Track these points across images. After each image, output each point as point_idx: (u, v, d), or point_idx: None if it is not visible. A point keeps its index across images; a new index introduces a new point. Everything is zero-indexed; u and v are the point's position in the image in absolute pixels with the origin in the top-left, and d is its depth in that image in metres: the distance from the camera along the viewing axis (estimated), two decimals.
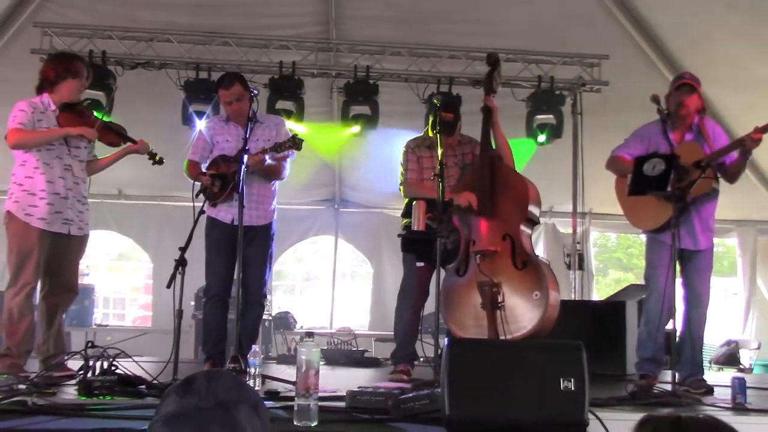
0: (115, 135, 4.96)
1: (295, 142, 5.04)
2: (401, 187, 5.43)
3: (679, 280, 4.87)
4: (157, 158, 5.05)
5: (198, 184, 5.05)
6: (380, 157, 9.54)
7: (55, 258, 4.70)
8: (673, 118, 4.94)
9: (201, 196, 5.01)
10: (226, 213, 5.16)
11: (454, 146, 5.41)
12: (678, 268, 4.84)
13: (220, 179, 5.08)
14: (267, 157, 5.00)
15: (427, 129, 5.41)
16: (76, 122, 4.76)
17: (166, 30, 7.91)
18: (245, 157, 4.68)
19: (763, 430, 3.47)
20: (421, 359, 5.58)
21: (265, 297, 5.40)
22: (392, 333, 5.67)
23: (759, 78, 7.74)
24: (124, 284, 12.03)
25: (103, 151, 5.06)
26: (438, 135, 4.86)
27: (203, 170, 5.22)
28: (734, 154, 4.77)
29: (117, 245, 11.52)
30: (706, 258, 4.94)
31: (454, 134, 5.43)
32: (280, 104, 7.74)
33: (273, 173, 5.26)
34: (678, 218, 4.49)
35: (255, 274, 5.17)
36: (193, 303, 8.08)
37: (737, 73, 7.73)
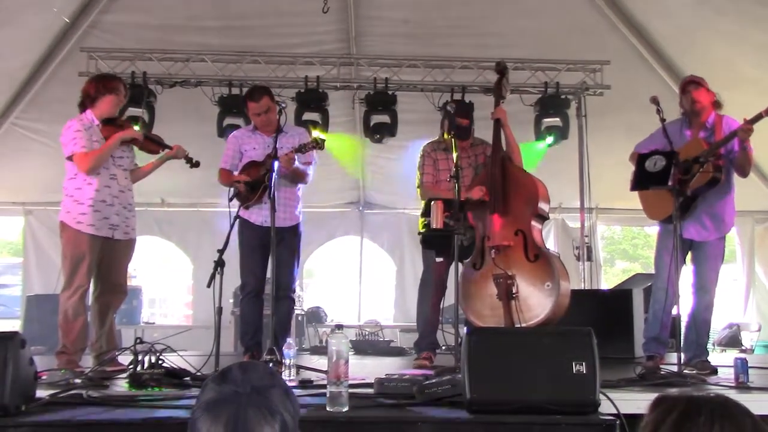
0: (154, 143, 5.03)
1: (318, 143, 5.07)
2: (418, 189, 5.44)
3: (690, 268, 4.83)
4: (194, 161, 5.11)
5: (232, 189, 5.11)
6: (400, 162, 9.56)
7: (105, 262, 4.74)
8: (691, 116, 4.92)
9: (235, 200, 5.06)
10: (257, 216, 5.18)
11: (467, 148, 5.42)
12: (689, 256, 4.81)
13: (250, 186, 5.11)
14: (296, 157, 5.02)
15: (443, 133, 5.40)
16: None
17: (201, 51, 7.96)
18: (275, 164, 4.71)
19: (766, 406, 3.41)
20: (443, 347, 5.56)
21: (294, 292, 5.40)
22: (415, 324, 5.66)
23: (747, 77, 7.64)
24: (168, 285, 12.11)
25: (143, 160, 5.11)
26: (453, 139, 4.87)
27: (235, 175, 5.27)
28: (737, 147, 4.71)
29: (161, 249, 11.57)
30: (713, 248, 4.85)
31: (469, 139, 5.43)
32: (307, 116, 7.76)
33: (299, 177, 5.27)
34: (680, 211, 4.45)
35: (285, 271, 5.17)
36: (231, 300, 8.11)
37: (728, 74, 7.62)
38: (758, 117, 4.46)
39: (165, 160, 5.02)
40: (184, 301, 11.73)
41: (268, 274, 5.12)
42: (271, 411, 1.35)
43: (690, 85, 4.93)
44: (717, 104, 4.92)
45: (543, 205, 5.03)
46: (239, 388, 1.37)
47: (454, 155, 4.78)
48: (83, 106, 4.84)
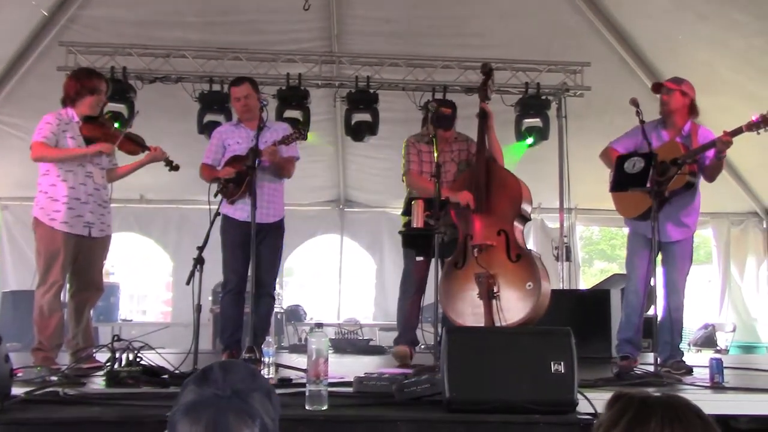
0: (134, 144, 4.92)
1: (301, 133, 5.07)
2: (404, 178, 5.41)
3: (660, 269, 4.87)
4: (174, 165, 5.02)
5: (215, 185, 5.07)
6: (381, 160, 9.57)
7: (81, 259, 4.69)
8: (665, 118, 4.96)
9: (218, 196, 5.02)
10: (242, 212, 5.14)
11: (451, 142, 5.43)
12: (659, 257, 4.85)
13: (234, 181, 5.09)
14: (279, 149, 5.01)
15: (427, 126, 5.40)
16: (98, 133, 4.75)
17: (182, 47, 7.90)
18: (257, 162, 4.71)
19: (739, 406, 3.46)
20: (422, 346, 5.57)
21: (275, 289, 5.39)
22: (395, 323, 5.66)
23: (727, 82, 7.73)
24: (147, 282, 12.01)
25: (123, 159, 5.04)
26: (434, 138, 4.87)
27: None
28: (711, 155, 4.74)
29: (140, 246, 11.47)
30: (681, 250, 4.90)
31: (451, 129, 5.43)
32: (288, 113, 7.73)
33: (283, 170, 5.26)
34: (657, 212, 4.48)
35: (267, 268, 5.16)
36: (210, 298, 8.07)
37: (708, 78, 7.70)
38: (738, 131, 4.48)
39: (145, 163, 4.93)
40: (163, 299, 11.65)
41: (250, 272, 5.09)
42: (251, 415, 1.34)
43: (662, 88, 4.97)
44: (693, 109, 4.94)
45: (526, 206, 5.07)
46: (219, 391, 1.35)
47: (435, 154, 4.78)
48: (64, 104, 4.79)
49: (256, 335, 4.72)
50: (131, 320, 10.10)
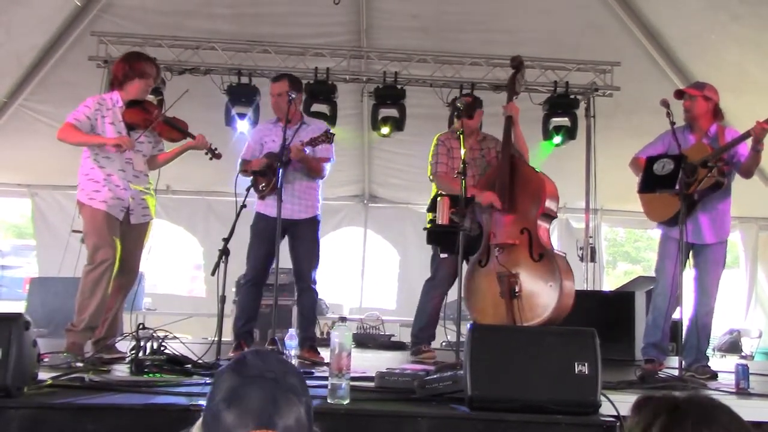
0: (176, 131, 4.86)
1: (328, 136, 5.07)
2: (431, 177, 5.42)
3: (691, 273, 4.80)
4: (216, 153, 4.92)
5: (248, 180, 5.09)
6: (406, 156, 9.55)
7: (121, 245, 4.58)
8: (690, 124, 4.91)
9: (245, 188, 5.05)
10: (271, 208, 5.16)
11: (480, 141, 5.44)
12: (690, 261, 4.78)
13: (264, 176, 5.10)
14: (307, 149, 5.01)
15: (458, 122, 5.36)
16: (139, 119, 4.68)
17: (211, 39, 7.95)
18: (284, 157, 4.73)
19: (766, 413, 3.41)
20: (443, 344, 5.56)
21: (315, 283, 5.34)
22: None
23: (760, 83, 7.61)
24: (177, 263, 12.03)
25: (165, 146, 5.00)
26: (461, 136, 4.87)
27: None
28: (746, 151, 4.65)
29: (169, 232, 11.44)
30: (714, 252, 4.81)
31: (473, 118, 5.43)
32: (315, 107, 7.75)
33: (313, 171, 5.25)
34: (686, 215, 4.42)
35: (305, 262, 5.20)
36: (234, 290, 8.11)
37: (740, 79, 7.60)
38: None
39: (186, 149, 4.87)
40: (195, 277, 11.68)
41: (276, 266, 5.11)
42: (296, 394, 1.34)
43: (683, 95, 4.91)
44: (717, 112, 4.87)
45: (550, 204, 5.02)
46: (265, 374, 1.36)
47: (462, 151, 4.78)
48: (112, 87, 4.77)
49: (302, 328, 4.74)
50: (155, 309, 10.16)
